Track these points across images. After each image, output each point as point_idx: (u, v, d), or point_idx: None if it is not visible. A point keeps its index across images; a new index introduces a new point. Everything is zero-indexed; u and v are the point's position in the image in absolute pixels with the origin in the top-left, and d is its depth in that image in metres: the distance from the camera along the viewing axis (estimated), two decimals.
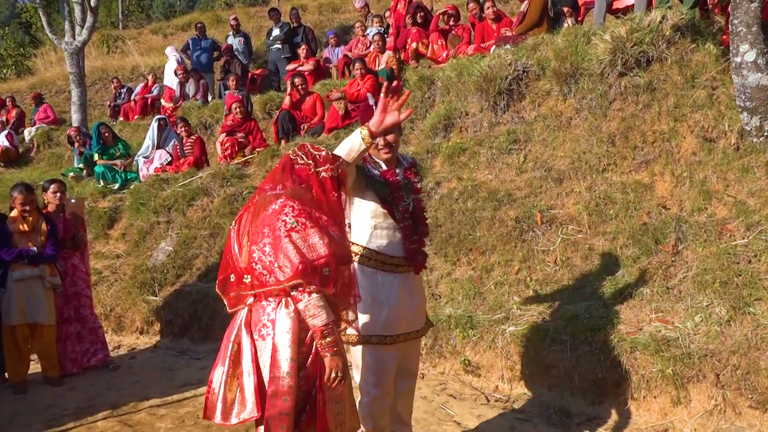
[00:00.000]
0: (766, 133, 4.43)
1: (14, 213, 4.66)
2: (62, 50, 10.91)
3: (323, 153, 2.41)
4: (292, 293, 2.29)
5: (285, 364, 2.30)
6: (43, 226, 4.74)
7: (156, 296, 6.00)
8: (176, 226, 6.67)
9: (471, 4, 7.99)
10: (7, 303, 4.58)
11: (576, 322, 3.95)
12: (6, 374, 4.71)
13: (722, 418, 3.32)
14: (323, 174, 2.37)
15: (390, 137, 2.80)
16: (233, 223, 2.46)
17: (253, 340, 2.37)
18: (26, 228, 4.64)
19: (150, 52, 14.47)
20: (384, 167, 2.85)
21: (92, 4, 10.15)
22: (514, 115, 5.97)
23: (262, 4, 17.28)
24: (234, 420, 2.36)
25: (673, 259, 4.14)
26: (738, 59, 4.45)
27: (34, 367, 4.86)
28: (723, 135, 4.66)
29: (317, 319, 2.27)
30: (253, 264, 2.31)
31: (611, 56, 5.39)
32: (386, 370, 2.84)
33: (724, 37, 5.24)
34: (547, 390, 3.87)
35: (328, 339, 2.29)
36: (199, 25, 11.45)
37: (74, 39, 10.38)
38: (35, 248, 4.63)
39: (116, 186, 7.98)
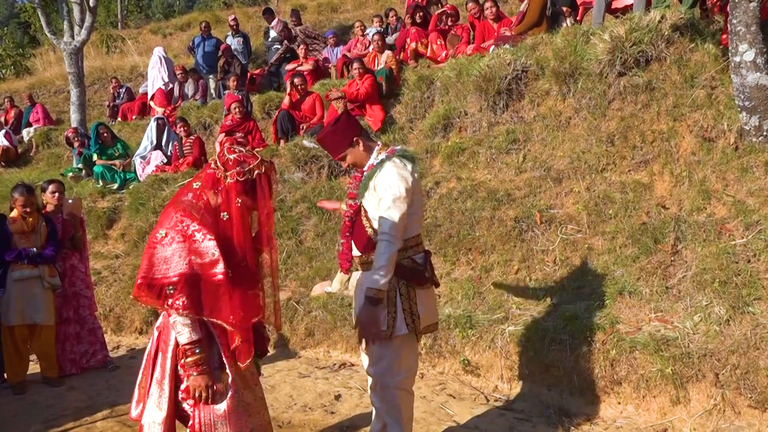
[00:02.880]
0: (765, 133, 4.43)
1: (14, 213, 4.66)
2: (61, 50, 10.90)
3: (234, 156, 2.34)
4: (165, 306, 2.25)
5: (164, 373, 2.33)
6: (43, 226, 4.74)
7: None
8: None
9: (470, 4, 7.98)
10: (7, 303, 4.57)
11: (575, 322, 3.95)
12: (5, 374, 4.70)
13: (721, 418, 3.32)
14: (229, 179, 2.31)
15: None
16: None
17: (157, 343, 2.43)
18: (26, 229, 4.64)
19: (149, 52, 14.36)
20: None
21: (91, 4, 10.14)
22: (513, 114, 5.97)
23: (261, 4, 17.25)
24: (133, 414, 2.47)
25: (672, 258, 4.14)
26: (737, 59, 4.45)
27: (33, 367, 4.86)
28: (722, 134, 4.66)
29: (181, 336, 2.25)
30: None
31: (610, 56, 5.39)
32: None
33: (723, 36, 5.24)
34: (547, 390, 3.86)
35: (190, 359, 2.26)
36: (203, 24, 11.29)
37: (73, 39, 10.37)
38: (35, 248, 4.63)
39: (115, 186, 7.98)
